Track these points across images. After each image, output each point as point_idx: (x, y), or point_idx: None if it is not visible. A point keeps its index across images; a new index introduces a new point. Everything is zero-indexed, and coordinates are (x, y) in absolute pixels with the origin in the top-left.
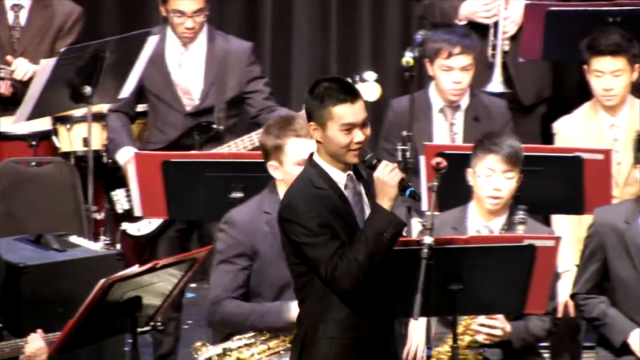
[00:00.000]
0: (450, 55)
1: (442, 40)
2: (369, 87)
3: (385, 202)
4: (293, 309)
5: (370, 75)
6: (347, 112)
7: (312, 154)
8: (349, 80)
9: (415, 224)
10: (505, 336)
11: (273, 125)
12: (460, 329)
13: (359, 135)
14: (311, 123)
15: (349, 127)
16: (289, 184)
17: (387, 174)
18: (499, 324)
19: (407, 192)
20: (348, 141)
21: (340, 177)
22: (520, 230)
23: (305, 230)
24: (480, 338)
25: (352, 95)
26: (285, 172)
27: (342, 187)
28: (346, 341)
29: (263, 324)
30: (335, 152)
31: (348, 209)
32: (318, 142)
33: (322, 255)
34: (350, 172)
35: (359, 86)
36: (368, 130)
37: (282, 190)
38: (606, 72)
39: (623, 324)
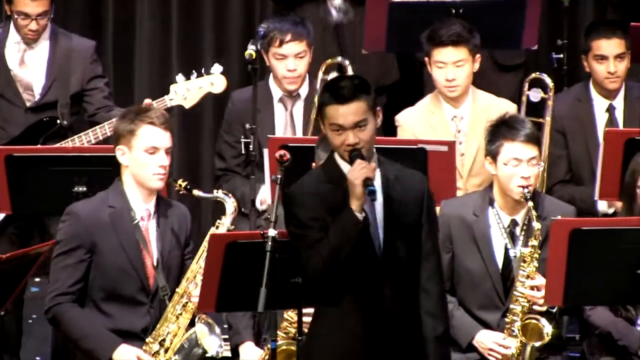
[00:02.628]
0: (282, 43)
1: (274, 28)
2: (215, 80)
3: (353, 201)
4: (120, 351)
5: (216, 68)
6: (335, 114)
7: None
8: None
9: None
10: None
11: (130, 111)
12: (284, 324)
13: (349, 138)
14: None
15: (338, 128)
16: (135, 171)
17: (353, 173)
18: None
19: (367, 190)
20: (339, 142)
21: None
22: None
23: (296, 221)
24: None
25: (343, 97)
26: (132, 157)
27: None
28: (335, 338)
29: (86, 346)
30: (335, 149)
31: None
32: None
33: (303, 247)
34: None
35: (204, 79)
36: (363, 134)
37: (127, 180)
38: (448, 63)
39: (469, 325)
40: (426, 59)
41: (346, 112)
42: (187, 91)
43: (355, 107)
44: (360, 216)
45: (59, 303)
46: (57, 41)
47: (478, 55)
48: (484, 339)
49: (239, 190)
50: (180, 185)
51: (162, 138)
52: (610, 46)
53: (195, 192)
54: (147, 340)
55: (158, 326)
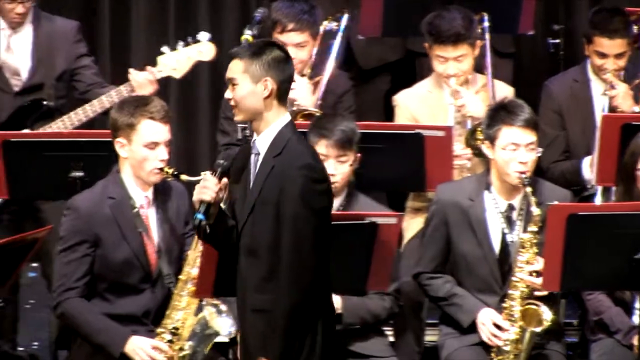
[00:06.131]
0: (283, 30)
1: (279, 13)
2: (203, 48)
3: None
4: (132, 343)
5: (203, 36)
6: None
7: None
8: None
9: None
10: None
11: (128, 102)
12: None
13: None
14: None
15: None
16: (134, 163)
17: (196, 188)
18: None
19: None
20: None
21: None
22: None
23: None
24: None
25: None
26: (132, 150)
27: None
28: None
29: (96, 341)
30: None
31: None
32: None
33: None
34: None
35: (191, 47)
36: (235, 94)
37: (126, 170)
38: (449, 59)
39: (471, 303)
40: (426, 44)
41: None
42: (176, 62)
43: (233, 62)
44: (197, 220)
45: (66, 298)
46: (40, 24)
47: (478, 41)
48: (486, 318)
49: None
50: (167, 173)
51: (162, 132)
52: (611, 46)
53: (183, 177)
54: (157, 330)
55: (167, 314)
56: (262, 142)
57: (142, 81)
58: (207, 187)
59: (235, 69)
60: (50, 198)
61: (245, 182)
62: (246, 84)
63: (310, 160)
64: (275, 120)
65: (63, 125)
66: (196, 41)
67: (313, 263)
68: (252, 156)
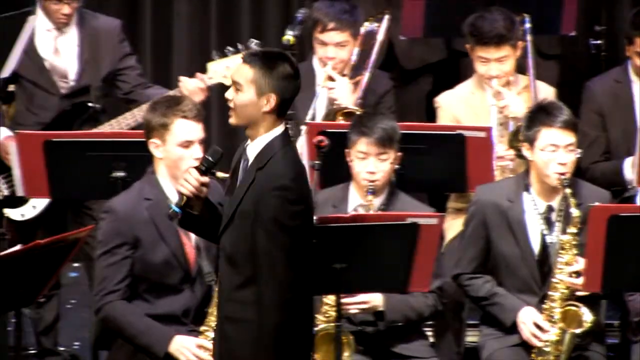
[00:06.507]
0: (324, 29)
1: (320, 12)
2: None
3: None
4: (176, 343)
5: (253, 43)
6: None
7: None
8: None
9: None
10: (374, 307)
11: (161, 103)
12: (324, 307)
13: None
14: None
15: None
16: (169, 163)
17: (181, 179)
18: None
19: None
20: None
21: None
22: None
23: None
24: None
25: (246, 55)
26: (166, 151)
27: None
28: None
29: (140, 342)
30: None
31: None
32: None
33: None
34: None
35: (242, 54)
36: (236, 98)
37: (162, 171)
38: (491, 60)
39: (513, 302)
40: (468, 46)
41: (237, 68)
42: (226, 69)
43: (242, 67)
44: (170, 209)
45: (108, 302)
46: (84, 24)
47: (520, 42)
48: (526, 317)
49: None
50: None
51: (196, 131)
52: None
53: (219, 174)
54: (201, 329)
55: (210, 312)
56: (252, 150)
57: (192, 89)
58: (188, 180)
59: (244, 75)
60: (91, 198)
61: (232, 184)
62: (250, 94)
63: (287, 181)
64: (269, 131)
65: (111, 129)
66: (246, 48)
67: (289, 280)
68: (242, 161)
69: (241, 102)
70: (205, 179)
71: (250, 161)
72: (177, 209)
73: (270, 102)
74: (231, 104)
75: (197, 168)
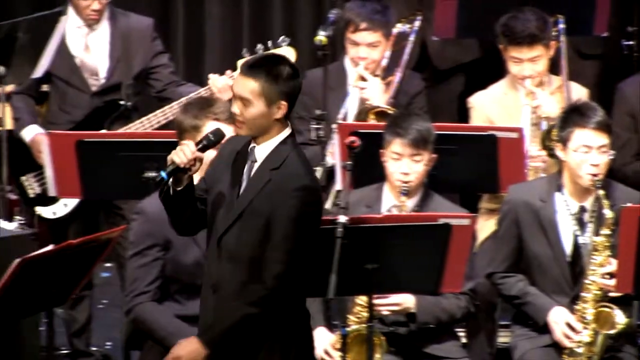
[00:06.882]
0: (356, 29)
1: (352, 13)
2: (283, 52)
3: None
4: None
5: (284, 40)
6: (236, 77)
7: None
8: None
9: None
10: (406, 309)
11: (193, 104)
12: (357, 308)
13: (233, 107)
14: None
15: (232, 94)
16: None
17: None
18: (395, 297)
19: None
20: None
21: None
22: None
23: None
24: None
25: (245, 67)
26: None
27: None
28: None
29: (170, 344)
30: None
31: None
32: None
33: None
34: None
35: (273, 51)
36: (246, 113)
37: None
38: (524, 60)
39: (544, 302)
40: (501, 46)
41: (239, 82)
42: None
43: (246, 82)
44: (159, 177)
45: (139, 303)
46: (116, 21)
47: (553, 42)
48: (558, 317)
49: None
50: None
51: (227, 133)
52: None
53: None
54: None
55: None
56: (260, 151)
57: (222, 86)
58: (183, 151)
59: (249, 88)
60: (123, 198)
61: (232, 182)
62: (260, 106)
63: (307, 181)
64: (279, 134)
65: (142, 127)
66: (277, 46)
67: (296, 280)
68: (248, 162)
69: (252, 116)
70: (201, 155)
71: (260, 161)
72: (164, 175)
73: (281, 108)
74: (240, 118)
75: (196, 143)
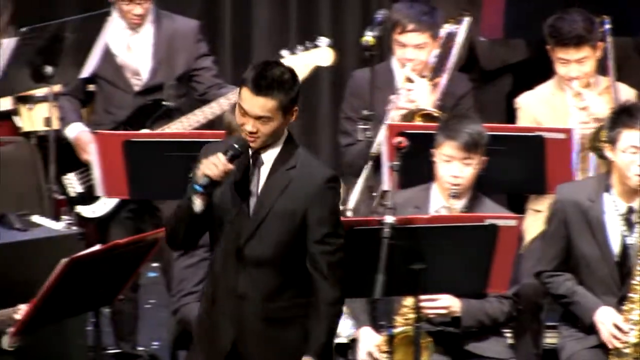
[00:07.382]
0: (403, 30)
1: (400, 14)
2: (322, 52)
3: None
4: None
5: (322, 41)
6: (246, 97)
7: None
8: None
9: None
10: (452, 312)
11: None
12: (403, 309)
13: (249, 126)
14: None
15: (243, 112)
16: None
17: (205, 162)
18: (443, 300)
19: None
20: (241, 122)
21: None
22: None
23: None
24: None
25: (258, 88)
26: None
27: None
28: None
29: None
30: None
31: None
32: None
33: None
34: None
35: (310, 53)
36: (264, 128)
37: None
38: (571, 61)
39: (591, 301)
40: (548, 47)
41: (254, 103)
42: (295, 66)
43: (264, 102)
44: (197, 205)
45: (185, 304)
46: (160, 24)
47: (600, 43)
48: (605, 317)
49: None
50: None
51: None
52: None
53: None
54: None
55: None
56: (267, 155)
57: None
58: (216, 164)
59: (269, 108)
60: (169, 198)
61: (238, 191)
62: (279, 119)
63: (331, 171)
64: (283, 135)
65: (181, 126)
66: (315, 46)
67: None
68: (254, 168)
69: (272, 129)
70: (230, 166)
71: (270, 164)
72: (199, 189)
73: (295, 113)
74: (259, 135)
75: (223, 153)
